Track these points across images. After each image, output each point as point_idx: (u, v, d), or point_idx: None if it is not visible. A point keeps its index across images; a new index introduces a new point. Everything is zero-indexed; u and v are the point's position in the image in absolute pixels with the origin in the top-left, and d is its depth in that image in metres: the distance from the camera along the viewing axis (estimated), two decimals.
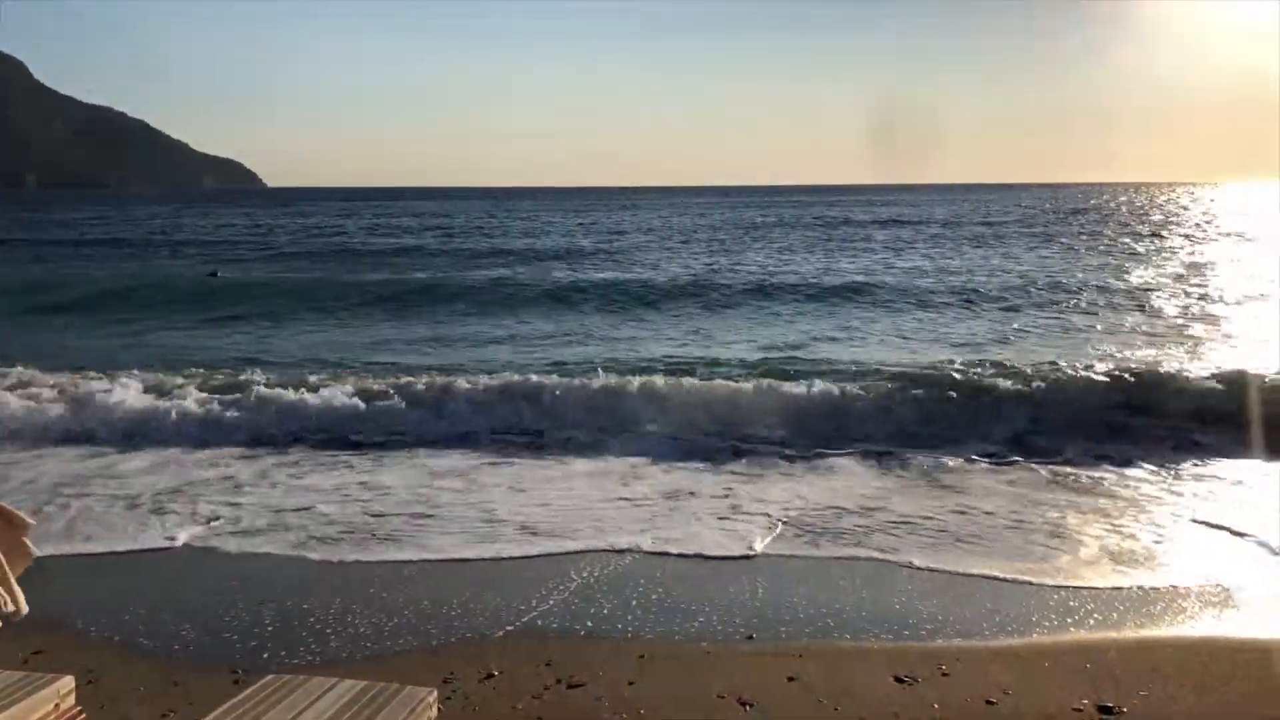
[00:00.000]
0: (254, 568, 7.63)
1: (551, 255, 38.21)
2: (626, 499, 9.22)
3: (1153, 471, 9.89)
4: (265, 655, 5.87)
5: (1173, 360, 15.43)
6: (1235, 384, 11.49)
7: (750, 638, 6.04)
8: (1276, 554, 7.55)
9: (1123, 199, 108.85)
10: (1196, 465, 10.08)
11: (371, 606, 6.68)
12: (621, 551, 7.75)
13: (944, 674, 5.49)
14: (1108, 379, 12.48)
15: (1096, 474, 9.84)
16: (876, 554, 7.70)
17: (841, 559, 7.66)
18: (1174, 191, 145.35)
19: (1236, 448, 10.44)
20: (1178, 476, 9.73)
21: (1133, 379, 12.30)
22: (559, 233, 53.94)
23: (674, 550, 7.82)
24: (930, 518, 8.52)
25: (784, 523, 8.39)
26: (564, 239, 48.69)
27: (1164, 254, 37.26)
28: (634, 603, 6.71)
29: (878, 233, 51.11)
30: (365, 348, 18.25)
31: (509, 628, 6.25)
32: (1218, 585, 6.92)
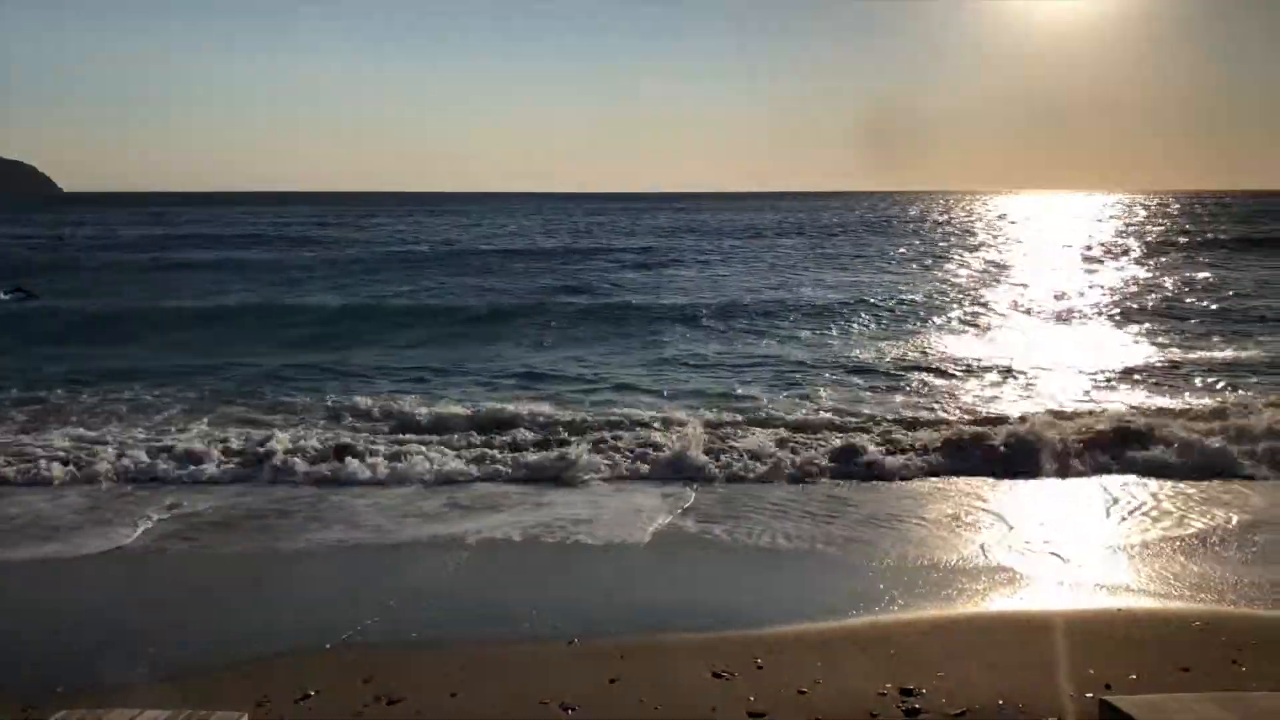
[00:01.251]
0: (57, 581, 7.18)
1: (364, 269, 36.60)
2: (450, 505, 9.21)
3: (948, 480, 10.35)
4: (60, 689, 5.46)
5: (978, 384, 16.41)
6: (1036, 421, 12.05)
7: (572, 642, 6.03)
8: (1049, 547, 8.17)
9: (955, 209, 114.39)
10: (991, 478, 10.44)
11: (186, 620, 6.35)
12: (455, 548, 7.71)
13: (759, 666, 5.62)
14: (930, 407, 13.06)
15: (905, 481, 10.29)
16: (697, 533, 7.99)
17: (662, 550, 7.88)
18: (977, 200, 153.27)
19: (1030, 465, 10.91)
20: (973, 485, 10.27)
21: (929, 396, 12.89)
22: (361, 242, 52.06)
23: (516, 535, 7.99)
24: (748, 516, 8.84)
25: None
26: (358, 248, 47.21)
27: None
28: (465, 606, 6.65)
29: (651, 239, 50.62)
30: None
31: (328, 645, 6.03)
32: (1005, 569, 7.41)
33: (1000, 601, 6.78)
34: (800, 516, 8.83)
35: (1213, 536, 8.13)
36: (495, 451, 10.85)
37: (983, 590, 6.97)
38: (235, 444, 11.01)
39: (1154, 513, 8.90)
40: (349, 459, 10.45)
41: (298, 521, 8.68)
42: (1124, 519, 8.78)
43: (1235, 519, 8.61)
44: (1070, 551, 7.83)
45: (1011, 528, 8.52)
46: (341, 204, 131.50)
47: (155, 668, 5.71)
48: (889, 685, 5.36)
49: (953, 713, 5.05)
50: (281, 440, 11.01)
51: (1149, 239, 49.99)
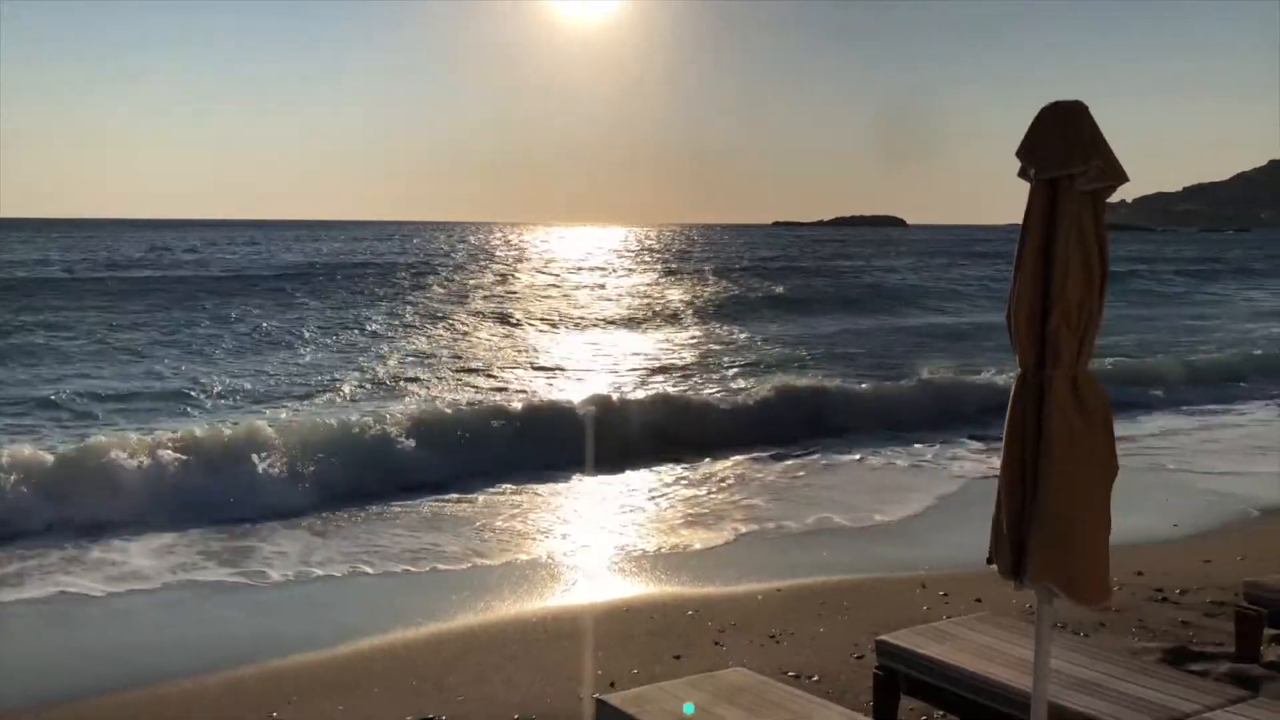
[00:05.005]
0: None
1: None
2: None
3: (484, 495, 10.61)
4: None
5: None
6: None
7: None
8: (562, 550, 8.57)
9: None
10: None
11: None
12: None
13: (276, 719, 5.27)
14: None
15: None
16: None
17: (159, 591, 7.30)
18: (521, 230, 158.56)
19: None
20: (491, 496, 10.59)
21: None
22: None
23: None
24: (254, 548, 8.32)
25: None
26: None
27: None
28: None
29: None
30: None
31: None
32: (525, 577, 7.60)
33: (521, 611, 6.87)
34: (317, 547, 8.51)
35: (704, 527, 9.01)
36: None
37: (506, 603, 7.04)
38: None
39: (656, 508, 9.69)
40: None
41: None
42: (630, 514, 9.46)
43: (727, 509, 9.62)
44: (581, 552, 8.29)
45: (528, 533, 8.85)
46: None
47: None
48: (410, 717, 5.24)
49: None
50: None
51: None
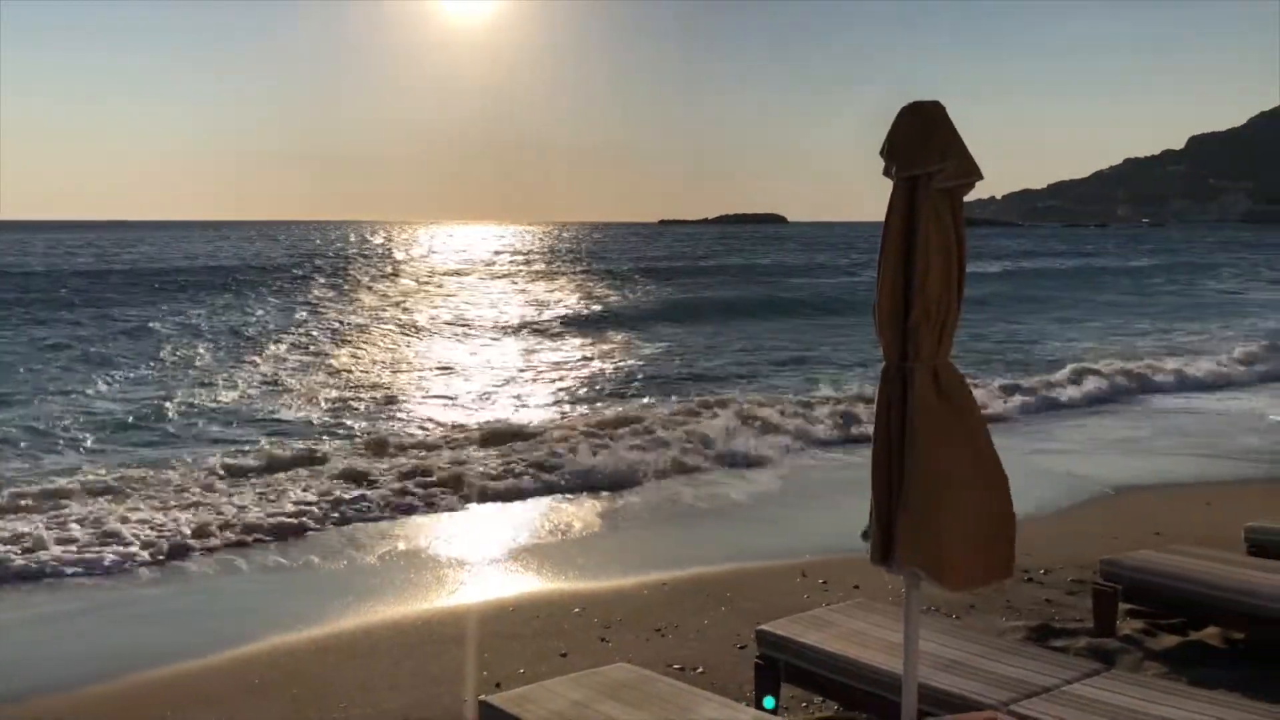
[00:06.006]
0: None
1: None
2: None
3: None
4: None
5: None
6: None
7: None
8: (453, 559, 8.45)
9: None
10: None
11: None
12: None
13: None
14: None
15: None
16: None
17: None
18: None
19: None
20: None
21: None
22: None
23: None
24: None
25: None
26: None
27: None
28: None
29: None
30: None
31: None
32: (411, 584, 7.45)
33: (405, 614, 6.73)
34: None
35: (587, 526, 9.01)
36: None
37: (389, 606, 6.89)
38: None
39: (549, 515, 9.65)
40: None
41: None
42: (509, 517, 9.43)
43: (601, 509, 9.65)
44: (464, 553, 8.22)
45: (408, 536, 8.71)
46: None
47: None
48: None
49: None
50: None
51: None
